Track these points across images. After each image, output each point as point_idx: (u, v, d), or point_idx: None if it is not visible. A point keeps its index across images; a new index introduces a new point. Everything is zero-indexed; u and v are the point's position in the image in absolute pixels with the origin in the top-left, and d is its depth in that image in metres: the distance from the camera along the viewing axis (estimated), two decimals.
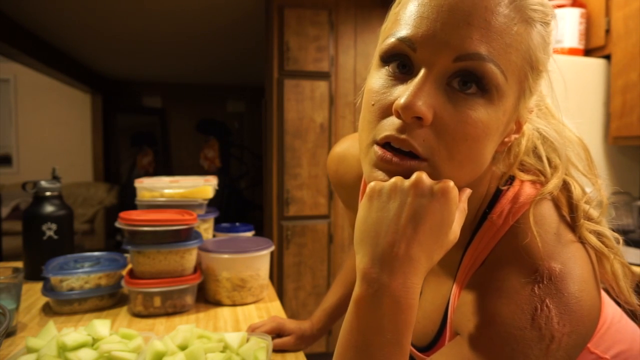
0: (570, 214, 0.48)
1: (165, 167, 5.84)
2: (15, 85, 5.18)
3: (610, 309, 0.59)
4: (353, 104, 2.61)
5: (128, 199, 3.39)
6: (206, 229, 1.27)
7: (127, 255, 1.09)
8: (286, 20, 2.47)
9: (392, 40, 0.44)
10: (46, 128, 5.30)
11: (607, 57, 1.83)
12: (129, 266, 1.04)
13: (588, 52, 1.89)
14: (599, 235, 0.47)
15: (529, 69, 0.44)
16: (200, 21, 3.23)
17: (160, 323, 0.94)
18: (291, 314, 2.51)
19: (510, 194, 0.50)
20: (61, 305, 0.98)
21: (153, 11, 3.04)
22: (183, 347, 0.73)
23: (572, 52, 1.85)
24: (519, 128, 0.48)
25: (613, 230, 0.49)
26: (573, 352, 0.41)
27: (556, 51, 0.48)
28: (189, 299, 1.01)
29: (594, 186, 0.51)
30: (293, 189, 2.53)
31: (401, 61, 0.44)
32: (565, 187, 0.49)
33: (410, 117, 0.41)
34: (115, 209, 4.80)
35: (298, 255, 2.55)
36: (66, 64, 4.28)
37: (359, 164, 0.64)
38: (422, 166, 0.43)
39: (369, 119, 0.45)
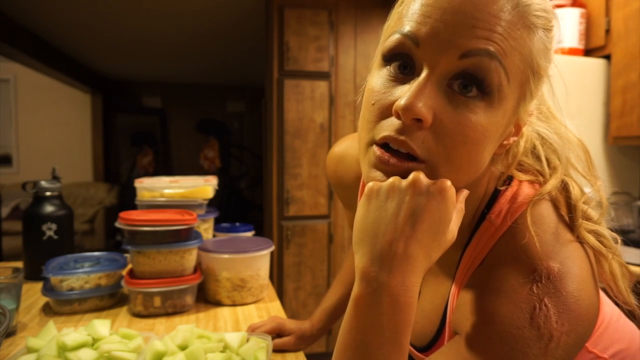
0: (569, 214, 0.48)
1: (165, 167, 5.84)
2: (15, 85, 5.18)
3: (609, 308, 0.59)
4: (353, 104, 2.61)
5: (128, 199, 3.39)
6: (206, 229, 1.27)
7: (127, 255, 1.09)
8: (286, 20, 2.47)
9: (395, 36, 0.44)
10: (46, 128, 5.30)
11: (607, 57, 1.83)
12: (129, 266, 1.04)
13: (588, 52, 1.89)
14: (597, 235, 0.47)
15: (531, 73, 0.44)
16: (200, 21, 3.23)
17: (160, 323, 0.94)
18: (291, 314, 2.51)
19: (508, 194, 0.50)
20: (61, 305, 0.98)
21: (153, 11, 3.04)
22: (183, 347, 0.73)
23: (572, 52, 1.85)
24: (517, 131, 0.48)
25: (612, 230, 0.49)
26: (572, 351, 0.41)
27: (556, 51, 0.48)
28: (189, 299, 1.01)
29: (593, 187, 0.51)
30: (293, 189, 2.53)
31: (403, 61, 0.44)
32: (564, 187, 0.49)
33: (410, 118, 0.41)
34: (115, 209, 4.80)
35: (298, 255, 2.55)
36: (66, 64, 4.28)
37: (358, 164, 0.64)
38: (420, 168, 0.43)
39: (369, 118, 0.46)
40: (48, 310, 0.99)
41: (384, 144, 0.44)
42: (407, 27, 0.43)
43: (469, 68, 0.41)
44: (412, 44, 0.43)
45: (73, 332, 0.74)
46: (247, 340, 0.78)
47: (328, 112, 2.54)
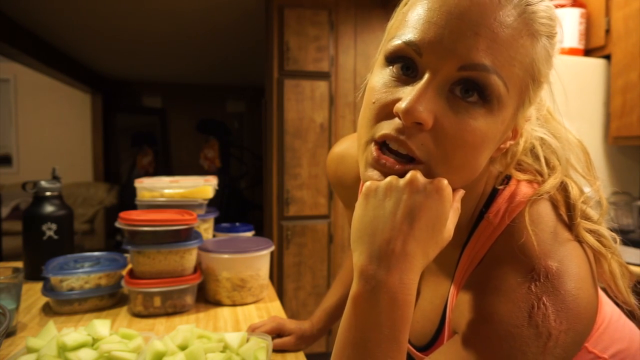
0: (568, 213, 0.48)
1: (165, 167, 5.84)
2: (15, 85, 5.18)
3: (609, 308, 0.59)
4: (353, 104, 2.61)
5: (128, 199, 3.39)
6: (206, 229, 1.27)
7: (127, 255, 1.09)
8: (286, 20, 2.47)
9: (398, 42, 0.44)
10: (46, 128, 5.30)
11: (607, 57, 1.83)
12: (129, 266, 1.04)
13: (588, 52, 1.89)
14: (596, 234, 0.47)
15: (531, 81, 0.45)
16: (200, 21, 3.23)
17: (160, 323, 0.94)
18: (291, 314, 2.51)
19: (506, 193, 0.51)
20: (61, 305, 0.98)
21: (153, 11, 3.04)
22: (183, 347, 0.73)
23: (572, 52, 1.85)
24: (514, 135, 0.49)
25: (612, 230, 0.49)
26: (571, 349, 0.42)
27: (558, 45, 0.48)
28: (189, 299, 1.01)
29: (592, 187, 0.51)
30: (293, 189, 2.53)
31: (405, 63, 0.44)
32: (563, 187, 0.50)
33: (411, 121, 0.41)
34: (115, 209, 4.80)
35: (298, 255, 2.55)
36: (66, 64, 4.28)
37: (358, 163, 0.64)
38: (419, 169, 0.43)
39: (369, 116, 0.46)
40: (48, 310, 0.99)
41: (383, 143, 0.44)
42: (410, 35, 0.43)
43: (469, 77, 0.41)
44: (415, 54, 0.43)
45: (73, 332, 0.74)
46: (247, 340, 0.78)
47: (328, 112, 2.54)
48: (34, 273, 1.18)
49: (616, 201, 1.77)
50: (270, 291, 1.13)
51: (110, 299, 1.03)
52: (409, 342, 0.61)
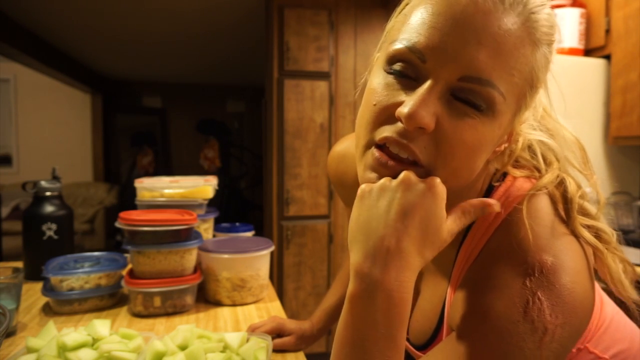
0: (565, 206, 0.48)
1: (165, 167, 5.84)
2: (15, 85, 5.18)
3: (610, 308, 0.59)
4: (353, 104, 2.61)
5: (128, 199, 3.39)
6: (206, 229, 1.27)
7: (127, 255, 1.09)
8: (286, 20, 2.47)
9: (401, 46, 0.44)
10: (46, 128, 5.30)
11: (607, 57, 1.83)
12: (129, 266, 1.04)
13: (588, 52, 1.89)
14: (594, 230, 0.47)
15: (529, 89, 0.45)
16: (200, 21, 3.23)
17: (160, 323, 0.94)
18: (291, 314, 2.51)
19: (502, 189, 0.51)
20: (61, 305, 0.98)
21: (153, 11, 3.04)
22: (183, 347, 0.73)
23: (572, 52, 1.84)
24: (509, 137, 0.50)
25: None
26: (567, 344, 0.42)
27: (556, 51, 0.48)
28: (189, 299, 1.01)
29: (589, 182, 0.52)
30: (293, 189, 2.53)
31: (407, 67, 0.44)
32: (560, 182, 0.50)
33: (414, 126, 0.42)
34: (115, 209, 4.80)
35: (298, 255, 2.55)
36: (66, 64, 4.28)
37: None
38: (419, 172, 0.44)
39: (369, 118, 0.46)
40: (48, 310, 0.99)
41: (382, 146, 0.45)
42: (414, 40, 0.43)
43: (469, 88, 0.42)
44: (418, 60, 0.43)
45: (73, 332, 0.74)
46: (247, 340, 0.78)
47: (328, 112, 2.54)
48: (34, 273, 1.18)
49: (616, 201, 1.77)
50: (270, 291, 1.13)
51: (110, 299, 1.03)
52: (408, 341, 0.61)
